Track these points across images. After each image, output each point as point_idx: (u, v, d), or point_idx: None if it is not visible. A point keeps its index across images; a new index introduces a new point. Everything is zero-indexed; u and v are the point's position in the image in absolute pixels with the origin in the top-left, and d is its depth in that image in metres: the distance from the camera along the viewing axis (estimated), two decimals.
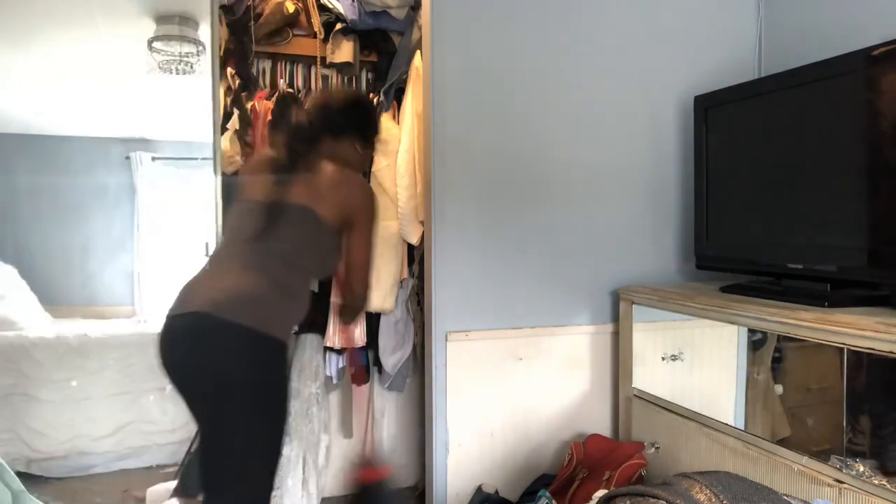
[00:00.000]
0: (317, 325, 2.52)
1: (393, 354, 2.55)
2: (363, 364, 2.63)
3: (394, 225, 2.46)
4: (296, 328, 2.36)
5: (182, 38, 2.98)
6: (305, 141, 1.78)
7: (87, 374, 3.02)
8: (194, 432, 2.97)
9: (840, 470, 1.36)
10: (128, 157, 4.91)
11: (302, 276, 1.68)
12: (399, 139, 2.47)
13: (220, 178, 2.15)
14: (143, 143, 4.93)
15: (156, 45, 3.01)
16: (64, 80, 3.66)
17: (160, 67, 3.13)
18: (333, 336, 2.47)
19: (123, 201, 4.92)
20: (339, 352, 2.57)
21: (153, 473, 2.96)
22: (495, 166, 2.04)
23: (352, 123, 1.82)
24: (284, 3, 2.54)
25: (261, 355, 1.51)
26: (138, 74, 3.44)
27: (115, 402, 3.04)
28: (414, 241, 2.43)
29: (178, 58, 3.07)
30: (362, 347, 2.55)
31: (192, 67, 3.15)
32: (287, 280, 1.61)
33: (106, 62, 3.36)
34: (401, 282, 2.55)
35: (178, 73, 3.15)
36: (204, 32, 3.03)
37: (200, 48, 3.08)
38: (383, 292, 2.46)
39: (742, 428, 1.64)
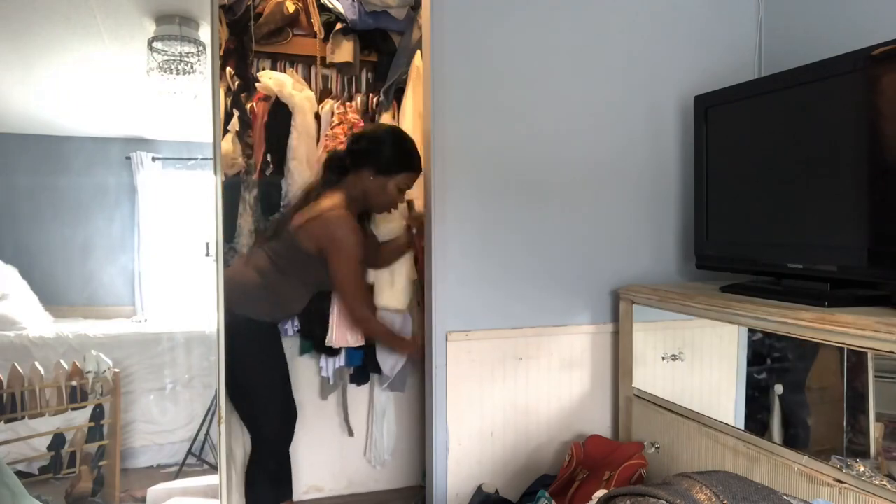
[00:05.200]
0: (314, 336, 2.53)
1: (391, 356, 2.55)
2: (357, 365, 2.63)
3: (398, 225, 2.47)
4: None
5: (182, 38, 2.99)
6: (332, 169, 2.20)
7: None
8: (195, 431, 2.99)
9: (840, 470, 1.36)
10: (128, 157, 4.90)
11: (289, 281, 2.17)
12: None
13: (220, 178, 2.15)
14: (143, 143, 4.93)
15: (156, 45, 3.01)
16: (64, 80, 3.66)
17: (160, 67, 3.13)
18: (330, 335, 2.47)
19: (123, 201, 4.92)
20: (336, 352, 2.57)
21: (153, 473, 2.96)
22: (495, 166, 2.04)
23: (368, 156, 2.12)
24: (284, 2, 2.55)
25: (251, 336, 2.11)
26: (138, 74, 3.44)
27: None
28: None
29: (178, 58, 3.07)
30: (359, 348, 2.55)
31: (192, 67, 3.15)
32: (276, 281, 2.15)
33: (106, 62, 3.36)
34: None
35: (178, 73, 3.15)
36: (204, 32, 3.03)
37: (200, 48, 3.07)
38: (398, 292, 2.46)
39: (742, 428, 1.64)
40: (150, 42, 3.00)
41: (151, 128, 4.78)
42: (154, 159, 4.98)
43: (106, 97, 4.00)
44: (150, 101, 4.01)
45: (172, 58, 3.07)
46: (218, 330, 2.06)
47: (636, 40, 2.16)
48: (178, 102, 3.94)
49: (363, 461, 2.78)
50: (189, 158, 4.98)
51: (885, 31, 1.46)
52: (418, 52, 2.47)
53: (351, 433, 2.74)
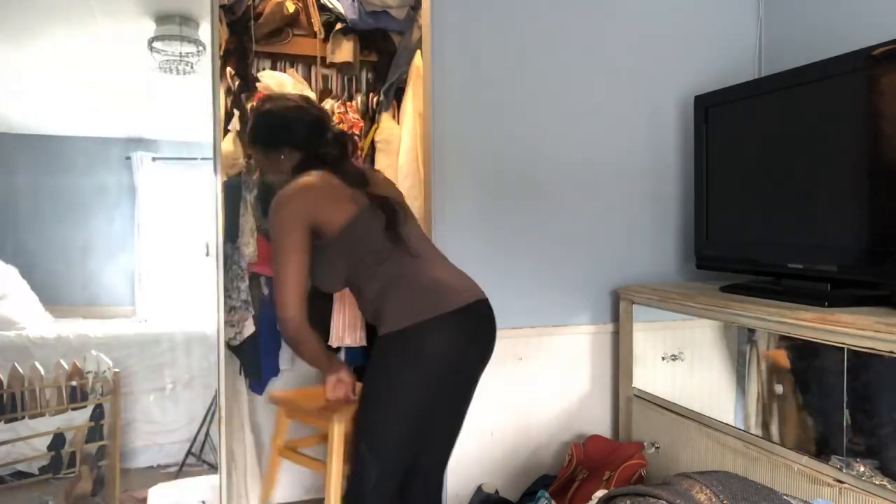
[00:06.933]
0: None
1: None
2: (359, 365, 2.63)
3: None
4: None
5: (182, 38, 2.99)
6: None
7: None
8: (195, 431, 2.98)
9: (840, 470, 1.36)
10: (128, 157, 4.91)
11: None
12: (400, 139, 2.46)
13: (220, 178, 2.15)
14: (143, 143, 4.94)
15: (156, 45, 3.01)
16: (64, 80, 3.66)
17: (160, 67, 3.13)
18: (333, 336, 2.46)
19: (123, 201, 4.93)
20: (336, 352, 2.57)
21: (153, 473, 2.96)
22: (495, 166, 2.04)
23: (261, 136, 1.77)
24: (284, 2, 2.54)
25: None
26: (138, 74, 3.44)
27: None
28: None
29: (178, 58, 3.07)
30: (360, 347, 2.55)
31: (192, 67, 3.16)
32: None
33: (106, 62, 3.36)
34: None
35: (178, 73, 3.15)
36: (204, 32, 3.03)
37: (200, 48, 3.08)
38: None
39: (742, 428, 1.64)
40: (150, 42, 3.00)
41: (151, 128, 4.79)
42: (154, 159, 4.98)
43: (106, 97, 4.01)
44: (150, 101, 4.02)
45: (172, 58, 3.07)
46: (218, 329, 2.06)
47: (636, 40, 2.16)
48: (179, 102, 3.95)
49: None
50: (189, 158, 4.99)
51: (884, 31, 1.46)
52: (418, 52, 2.47)
53: None
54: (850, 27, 1.90)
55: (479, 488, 2.03)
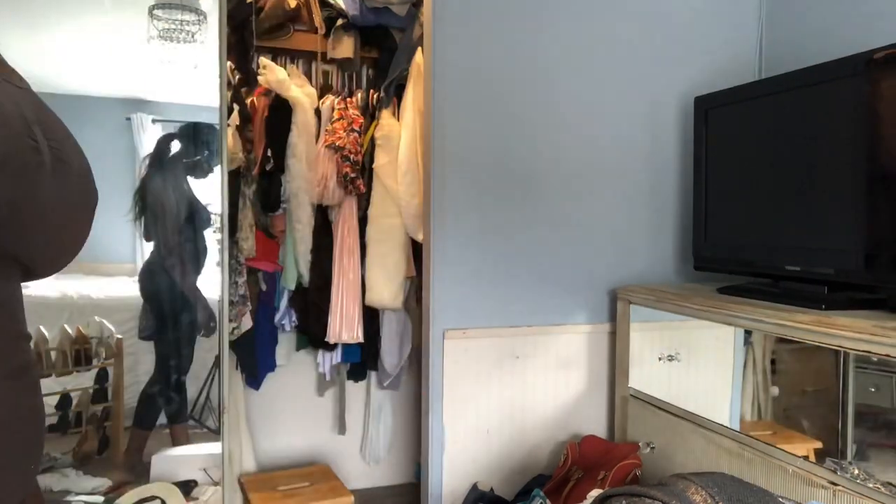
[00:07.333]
0: (311, 331, 2.53)
1: (394, 354, 2.55)
2: (355, 361, 2.63)
3: (398, 221, 2.46)
4: None
5: (182, 7, 2.96)
6: None
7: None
8: (196, 395, 3.00)
9: (835, 472, 1.37)
10: (128, 119, 4.90)
11: None
12: (400, 136, 2.46)
13: (226, 160, 2.09)
14: (144, 105, 4.93)
15: (156, 12, 2.99)
16: (64, 47, 3.62)
17: (161, 36, 3.11)
18: (330, 332, 2.47)
19: (125, 161, 4.93)
20: (332, 348, 2.57)
21: (156, 433, 2.93)
22: (495, 165, 2.04)
23: None
24: None
25: None
26: (139, 42, 3.41)
27: None
28: (420, 238, 2.44)
29: (178, 26, 3.04)
30: (357, 344, 2.55)
31: (192, 37, 3.13)
32: None
33: (106, 28, 3.32)
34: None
35: (178, 42, 3.12)
36: (205, 2, 3.01)
37: (201, 17, 3.06)
38: (394, 289, 2.46)
39: (737, 429, 1.65)
40: (150, 10, 2.98)
41: (152, 93, 4.76)
42: (154, 121, 4.95)
43: (106, 63, 3.97)
44: (151, 68, 3.96)
45: (173, 26, 3.04)
46: (221, 309, 2.06)
47: (637, 40, 2.16)
48: (178, 71, 3.89)
49: (359, 458, 2.78)
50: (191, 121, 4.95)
51: (886, 35, 1.46)
52: (419, 49, 2.47)
53: (343, 431, 2.74)
54: (851, 30, 1.90)
55: (475, 486, 2.03)
